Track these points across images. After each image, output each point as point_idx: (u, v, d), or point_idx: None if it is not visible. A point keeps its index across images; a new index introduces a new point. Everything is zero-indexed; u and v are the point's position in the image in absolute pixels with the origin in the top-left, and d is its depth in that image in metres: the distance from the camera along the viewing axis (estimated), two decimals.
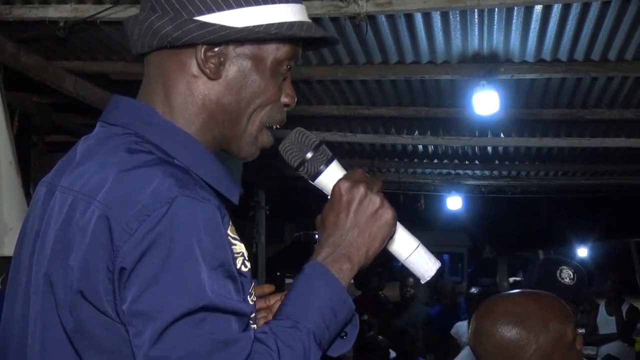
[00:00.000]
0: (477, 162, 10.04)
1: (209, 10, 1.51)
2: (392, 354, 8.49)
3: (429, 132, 8.10)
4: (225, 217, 1.47)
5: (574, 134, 7.93)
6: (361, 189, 1.56)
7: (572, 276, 3.01)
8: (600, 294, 10.30)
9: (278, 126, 1.64)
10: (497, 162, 9.98)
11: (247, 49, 1.55)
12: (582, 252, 16.68)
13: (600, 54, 5.32)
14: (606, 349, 9.06)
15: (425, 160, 9.92)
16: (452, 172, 10.75)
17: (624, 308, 9.32)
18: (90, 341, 1.41)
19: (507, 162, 10.00)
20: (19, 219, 4.91)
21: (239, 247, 1.51)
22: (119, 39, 5.25)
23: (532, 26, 4.92)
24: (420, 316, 9.59)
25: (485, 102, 5.80)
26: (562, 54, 5.37)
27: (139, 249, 1.34)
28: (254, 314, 1.53)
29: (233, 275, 1.43)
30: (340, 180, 1.59)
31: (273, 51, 1.57)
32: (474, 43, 5.25)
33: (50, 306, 1.45)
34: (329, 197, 1.62)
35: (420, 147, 9.13)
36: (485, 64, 5.51)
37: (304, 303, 1.48)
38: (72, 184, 1.48)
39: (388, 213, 1.57)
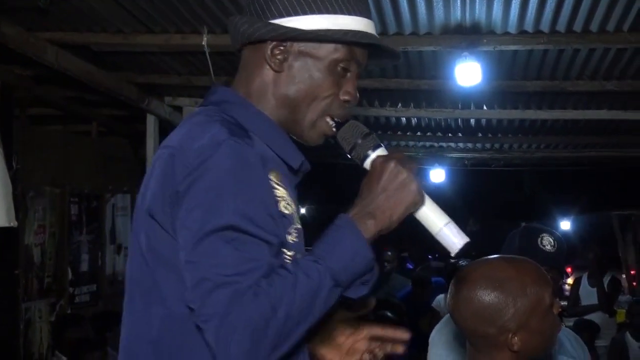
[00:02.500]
0: (460, 134, 10.06)
1: (281, 15, 1.87)
2: None
3: (412, 104, 8.09)
4: (269, 163, 1.82)
5: (557, 106, 7.94)
6: (392, 163, 1.84)
7: (552, 243, 3.05)
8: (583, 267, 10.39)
9: (338, 120, 1.96)
10: (480, 134, 9.99)
11: (307, 47, 1.89)
12: (565, 224, 16.76)
13: (582, 25, 5.32)
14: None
15: (408, 133, 9.92)
16: (435, 144, 10.76)
17: (606, 280, 9.42)
18: (159, 257, 1.78)
19: (490, 135, 10.02)
20: (1, 191, 4.90)
21: (281, 192, 1.82)
22: (101, 9, 5.21)
23: None
24: (399, 287, 9.71)
25: (468, 73, 5.80)
26: (545, 26, 5.37)
27: (191, 177, 1.70)
28: (293, 253, 1.82)
29: (269, 210, 1.75)
30: (377, 157, 1.89)
31: (331, 52, 1.90)
32: (456, 14, 5.24)
33: (136, 231, 1.85)
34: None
35: (404, 119, 9.13)
36: (468, 35, 5.50)
37: (329, 246, 1.75)
38: (165, 143, 1.85)
39: (413, 184, 1.83)
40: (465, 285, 2.22)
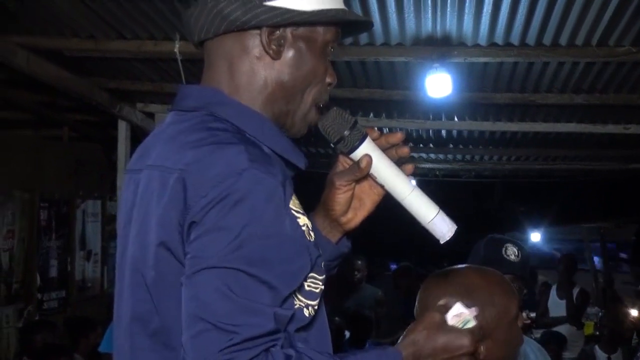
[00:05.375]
0: (431, 145, 10.10)
1: None
2: (346, 334, 8.56)
3: (383, 114, 8.13)
4: (287, 191, 1.61)
5: (527, 119, 8.01)
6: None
7: (517, 253, 3.08)
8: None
9: (322, 105, 1.82)
10: (451, 145, 10.05)
11: (302, 31, 1.74)
12: (536, 236, 16.83)
13: (551, 39, 5.37)
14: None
15: None
16: None
17: (575, 292, 9.46)
18: (169, 291, 1.60)
19: (461, 146, 10.08)
20: None
21: (303, 220, 1.67)
22: (73, 14, 5.20)
23: (485, 10, 4.95)
24: (370, 298, 9.67)
25: (438, 84, 5.83)
26: (514, 38, 5.41)
27: (206, 208, 1.52)
28: (323, 277, 1.72)
29: (293, 244, 1.60)
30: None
31: (322, 34, 1.77)
32: (427, 25, 5.27)
33: (134, 264, 1.67)
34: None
35: (376, 129, 9.13)
36: (439, 47, 5.53)
37: None
38: (157, 161, 1.65)
39: None
40: (433, 292, 2.22)
